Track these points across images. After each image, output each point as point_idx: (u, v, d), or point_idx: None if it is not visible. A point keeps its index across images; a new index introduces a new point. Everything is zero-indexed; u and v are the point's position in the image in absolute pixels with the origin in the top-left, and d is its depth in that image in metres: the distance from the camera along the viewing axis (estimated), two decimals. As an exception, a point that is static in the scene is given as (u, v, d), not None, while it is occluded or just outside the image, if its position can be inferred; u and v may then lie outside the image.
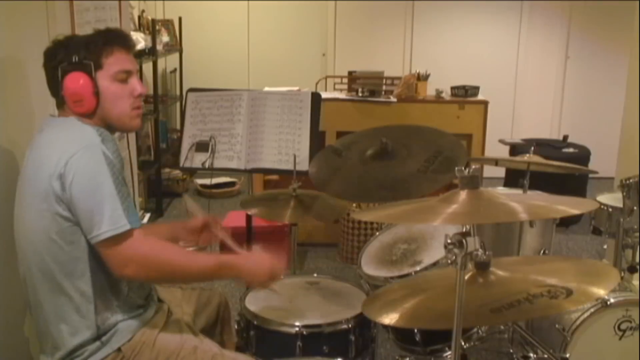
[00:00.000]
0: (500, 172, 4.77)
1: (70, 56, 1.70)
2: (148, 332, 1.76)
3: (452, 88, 4.49)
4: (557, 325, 2.24)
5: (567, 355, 2.15)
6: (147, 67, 4.95)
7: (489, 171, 4.77)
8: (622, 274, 2.37)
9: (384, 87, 4.39)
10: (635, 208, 2.39)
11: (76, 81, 1.68)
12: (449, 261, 1.37)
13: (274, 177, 4.16)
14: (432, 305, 1.58)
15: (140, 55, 4.55)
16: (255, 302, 2.07)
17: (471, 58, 6.01)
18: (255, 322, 1.97)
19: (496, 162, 2.95)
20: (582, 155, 4.77)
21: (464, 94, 4.43)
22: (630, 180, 2.33)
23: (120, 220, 1.59)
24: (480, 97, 4.48)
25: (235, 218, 4.00)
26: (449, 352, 2.08)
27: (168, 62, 6.13)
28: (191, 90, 2.88)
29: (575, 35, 6.04)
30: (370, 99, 4.29)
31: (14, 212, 1.74)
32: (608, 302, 2.17)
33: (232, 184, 5.49)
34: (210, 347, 1.80)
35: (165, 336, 1.77)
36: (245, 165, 2.74)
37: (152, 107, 4.93)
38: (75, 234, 1.63)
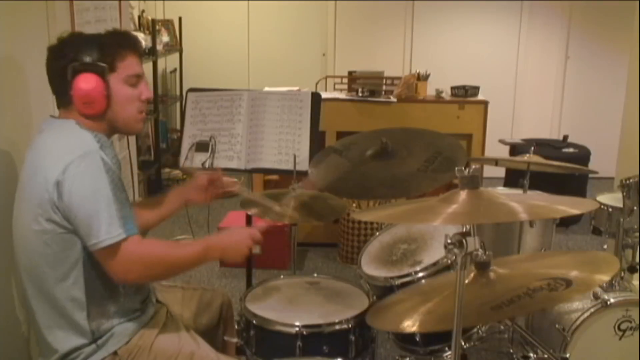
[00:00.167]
0: (500, 172, 4.77)
1: (82, 56, 1.67)
2: (145, 335, 1.75)
3: (452, 88, 4.49)
4: (557, 325, 2.24)
5: (567, 355, 2.15)
6: (147, 67, 4.95)
7: (489, 171, 4.77)
8: (622, 274, 2.36)
9: (384, 87, 4.39)
10: (635, 208, 2.39)
11: (89, 82, 1.66)
12: (449, 261, 1.37)
13: (274, 177, 4.16)
14: (435, 308, 1.58)
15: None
16: (255, 302, 2.06)
17: (471, 58, 6.01)
18: (255, 322, 1.96)
19: (496, 162, 2.95)
20: (582, 155, 4.77)
21: (464, 94, 4.42)
22: (630, 180, 2.32)
23: (118, 228, 1.58)
24: (480, 97, 4.47)
25: (235, 218, 4.00)
26: (449, 352, 2.07)
27: (168, 62, 6.13)
28: (191, 90, 2.87)
29: (575, 35, 6.03)
30: (370, 99, 4.28)
31: (13, 213, 1.73)
32: (608, 302, 2.18)
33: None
34: (208, 353, 1.80)
35: (163, 340, 1.77)
36: (245, 165, 2.73)
37: (152, 107, 4.93)
38: (69, 241, 1.62)
